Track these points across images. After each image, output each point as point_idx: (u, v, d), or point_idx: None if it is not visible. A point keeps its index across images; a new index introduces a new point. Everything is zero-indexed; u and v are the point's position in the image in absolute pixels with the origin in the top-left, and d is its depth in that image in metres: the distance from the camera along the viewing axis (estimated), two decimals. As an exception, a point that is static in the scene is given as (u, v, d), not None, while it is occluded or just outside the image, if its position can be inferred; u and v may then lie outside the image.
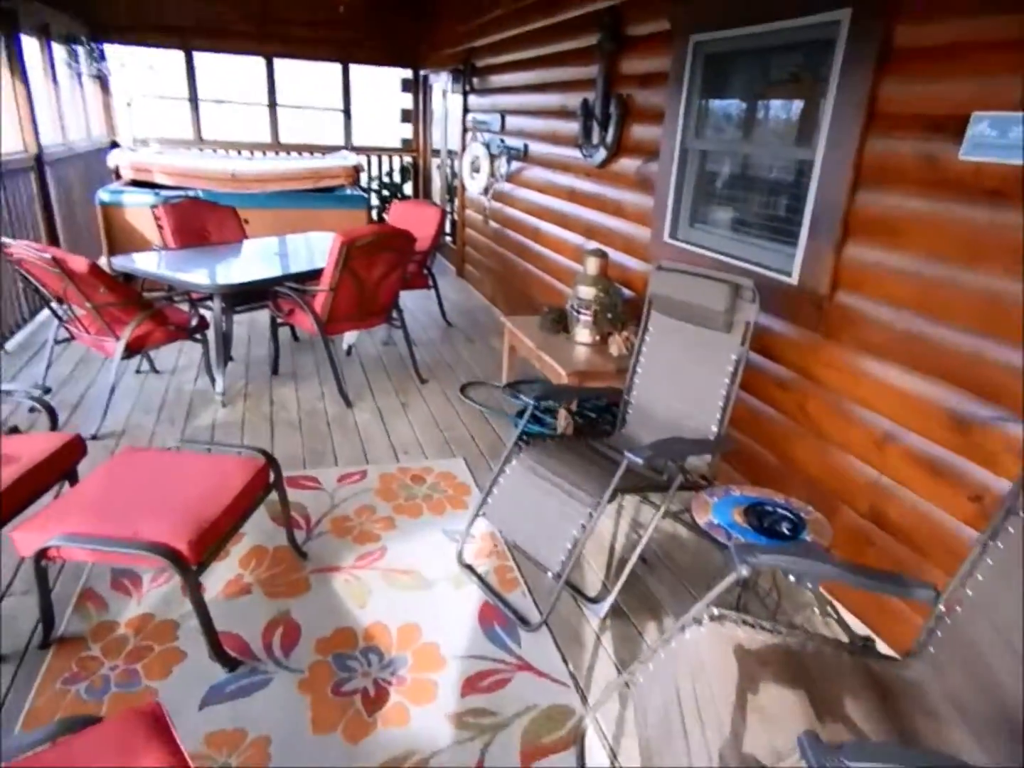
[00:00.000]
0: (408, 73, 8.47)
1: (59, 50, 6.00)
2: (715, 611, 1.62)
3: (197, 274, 3.72)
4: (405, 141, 8.92)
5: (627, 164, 3.68)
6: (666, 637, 1.64)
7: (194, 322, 3.58)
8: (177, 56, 7.58)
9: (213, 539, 1.93)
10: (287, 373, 4.24)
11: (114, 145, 7.54)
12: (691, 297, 2.57)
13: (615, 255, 3.81)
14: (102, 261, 6.28)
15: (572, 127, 4.21)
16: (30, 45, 5.46)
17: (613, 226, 3.88)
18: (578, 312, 3.67)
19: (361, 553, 2.53)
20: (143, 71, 7.31)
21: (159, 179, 6.40)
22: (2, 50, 4.70)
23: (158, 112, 8.76)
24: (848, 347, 2.34)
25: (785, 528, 1.97)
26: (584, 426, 3.47)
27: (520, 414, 3.79)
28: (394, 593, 2.33)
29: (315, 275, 3.74)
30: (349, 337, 4.36)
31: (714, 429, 2.50)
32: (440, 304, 5.43)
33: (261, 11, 7.36)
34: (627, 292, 3.76)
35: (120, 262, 3.78)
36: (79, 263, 3.00)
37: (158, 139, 7.79)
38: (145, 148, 7.39)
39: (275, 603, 2.25)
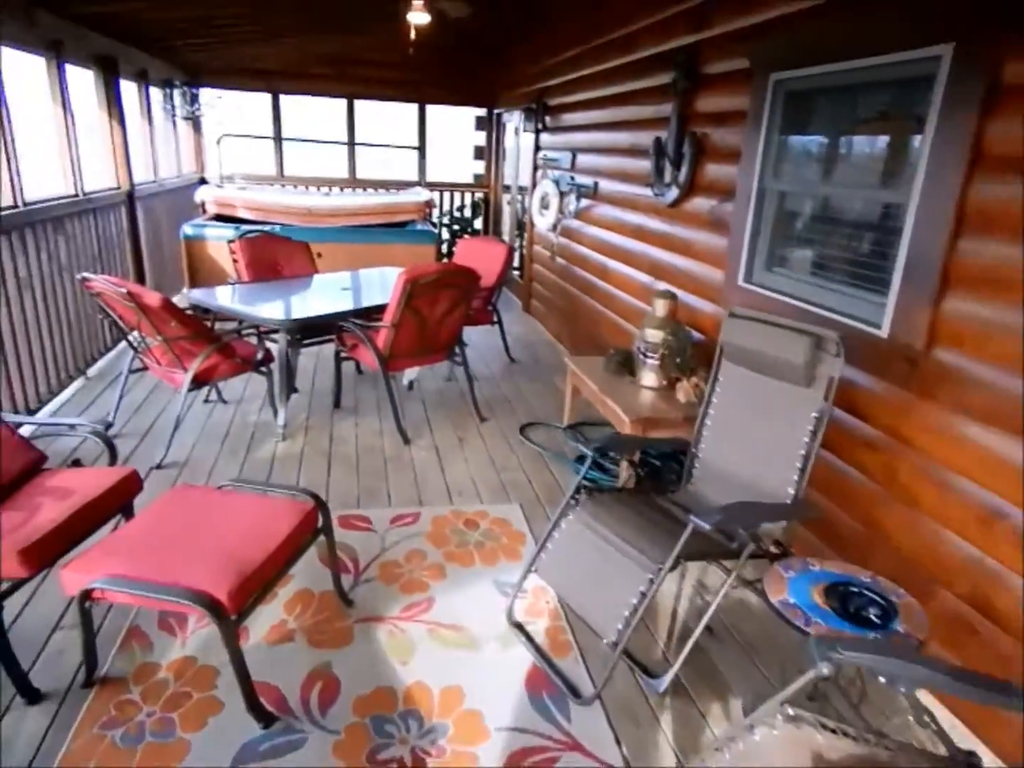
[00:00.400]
0: (482, 111, 8.62)
1: (156, 93, 6.39)
2: (790, 711, 1.43)
3: (264, 308, 3.79)
4: (477, 177, 9.05)
5: (700, 204, 3.55)
6: (733, 735, 1.45)
7: (260, 355, 3.64)
8: (264, 98, 7.97)
9: (255, 587, 1.87)
10: (348, 407, 4.25)
11: (202, 181, 7.95)
12: (767, 347, 2.39)
13: (685, 297, 3.65)
14: (183, 293, 6.59)
15: (643, 165, 4.11)
16: (128, 89, 5.83)
17: (683, 266, 3.74)
18: (644, 355, 3.52)
19: (408, 603, 2.43)
20: (232, 111, 7.71)
21: (241, 213, 6.68)
22: (103, 94, 5.01)
23: (244, 150, 9.22)
24: (946, 408, 2.11)
25: (873, 614, 1.75)
26: (647, 476, 3.30)
27: (580, 460, 3.65)
28: (439, 650, 2.22)
29: (381, 310, 3.75)
30: (410, 373, 4.35)
31: (790, 491, 2.30)
32: (504, 340, 5.38)
33: (341, 55, 7.65)
34: (696, 335, 3.59)
35: (195, 295, 3.91)
36: (152, 298, 3.08)
37: (243, 175, 8.17)
38: (230, 184, 7.76)
39: (317, 653, 2.17)
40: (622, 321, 4.57)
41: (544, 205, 6.05)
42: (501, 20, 6.73)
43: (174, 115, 6.83)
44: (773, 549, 2.26)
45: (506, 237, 8.51)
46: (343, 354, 4.01)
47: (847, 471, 2.55)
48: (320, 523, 2.24)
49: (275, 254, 4.74)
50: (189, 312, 3.82)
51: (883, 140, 2.54)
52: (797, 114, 2.87)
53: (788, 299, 2.86)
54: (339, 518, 2.94)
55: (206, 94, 7.68)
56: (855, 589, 1.86)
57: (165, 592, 1.74)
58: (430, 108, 8.47)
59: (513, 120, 7.63)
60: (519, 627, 2.35)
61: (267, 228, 6.01)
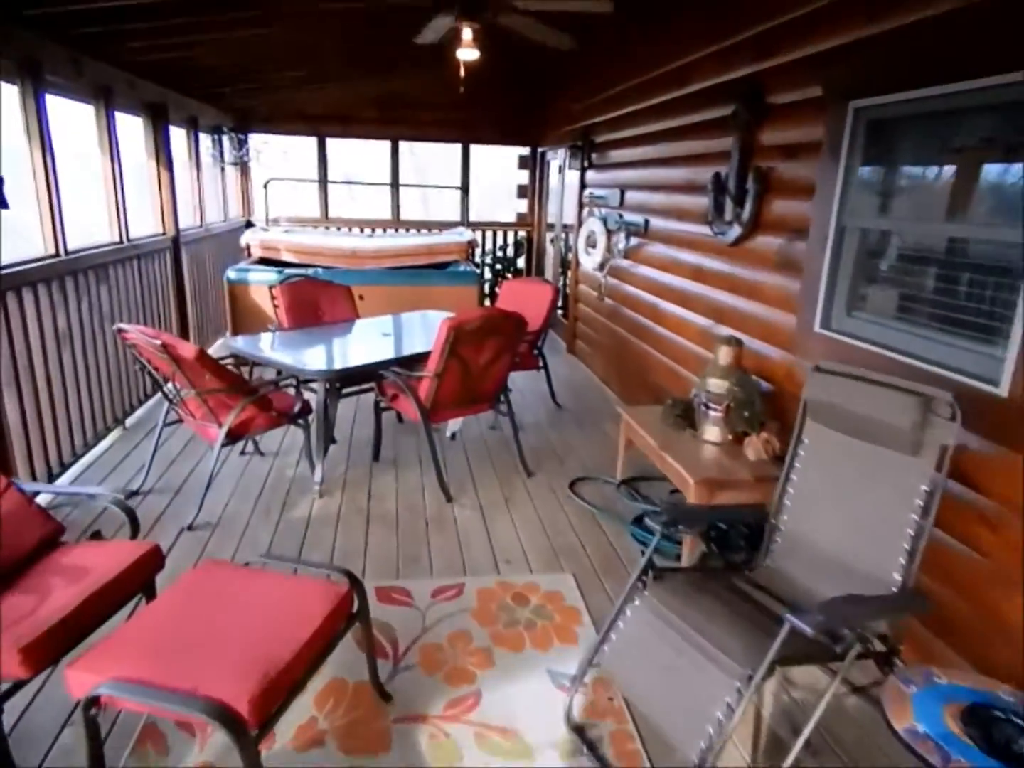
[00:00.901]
0: (526, 150, 8.54)
1: (204, 139, 6.46)
2: None
3: (302, 357, 3.63)
4: (520, 215, 8.94)
5: (766, 242, 3.27)
6: None
7: (297, 407, 3.46)
8: (309, 141, 8.03)
9: (282, 692, 1.63)
10: (388, 459, 4.04)
11: (249, 224, 8.02)
12: (863, 408, 2.09)
13: (750, 342, 3.36)
14: (225, 338, 6.55)
15: (700, 202, 3.87)
16: (177, 135, 5.89)
17: (748, 310, 3.45)
18: (707, 407, 3.23)
19: (452, 698, 2.16)
20: (278, 155, 7.78)
21: (285, 256, 6.65)
22: (152, 141, 5.03)
23: (290, 193, 9.32)
24: (1092, 485, 1.77)
25: (1029, 753, 1.42)
26: (718, 548, 2.95)
27: (637, 522, 3.34)
28: (488, 759, 1.93)
29: (423, 358, 3.55)
30: (454, 424, 4.13)
31: (897, 577, 1.97)
32: (550, 385, 5.13)
33: (387, 97, 7.68)
34: (765, 385, 3.28)
35: (234, 344, 3.78)
36: (187, 350, 2.94)
37: (288, 218, 8.22)
38: (276, 227, 7.80)
39: (350, 761, 1.91)
40: (677, 367, 4.29)
41: (591, 244, 5.84)
42: (547, 59, 6.66)
43: (222, 160, 6.90)
44: (879, 646, 1.93)
45: (549, 276, 8.34)
46: (383, 404, 3.82)
47: (958, 548, 2.20)
48: (356, 607, 2.00)
49: (316, 298, 4.62)
50: (228, 362, 3.70)
51: (992, 170, 2.25)
52: (882, 144, 2.59)
53: (875, 348, 2.55)
54: (377, 590, 2.70)
55: (254, 139, 7.79)
56: (1000, 713, 1.52)
57: (179, 703, 1.51)
58: (473, 147, 8.43)
59: (557, 158, 7.51)
60: (579, 731, 2.05)
61: (309, 271, 5.96)
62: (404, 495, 3.60)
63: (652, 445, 3.30)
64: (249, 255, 6.78)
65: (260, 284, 5.86)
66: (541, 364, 4.94)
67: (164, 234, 5.22)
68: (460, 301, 6.18)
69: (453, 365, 3.43)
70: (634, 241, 4.99)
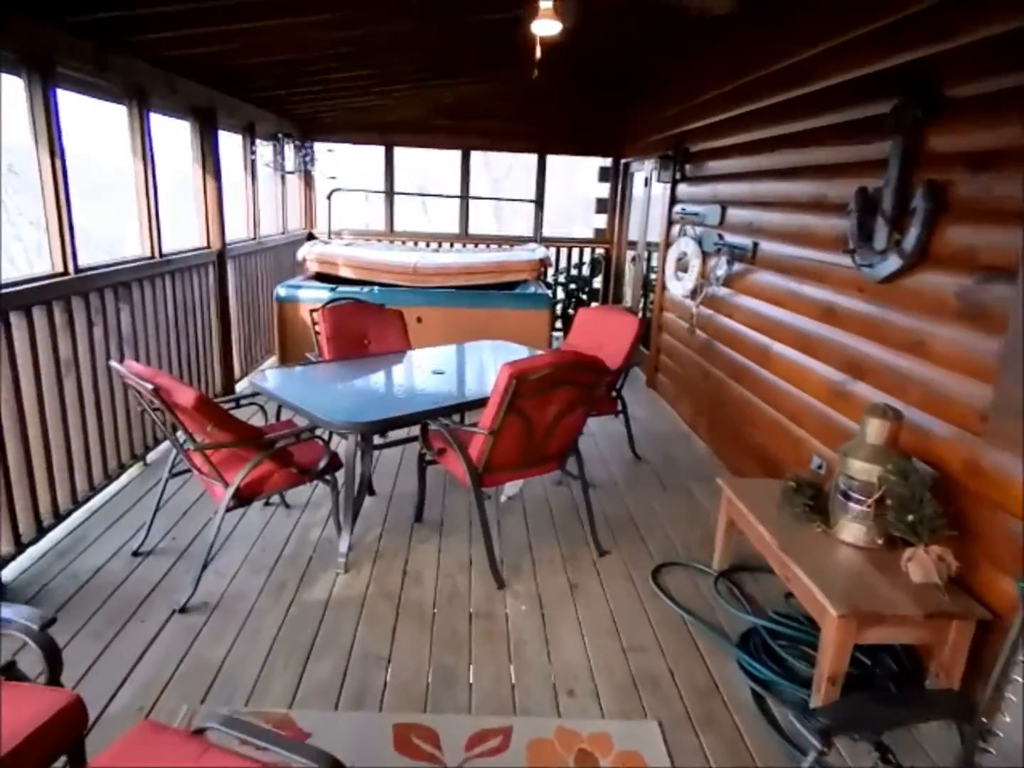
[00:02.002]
0: (607, 161, 7.84)
1: (265, 148, 6.06)
2: None
3: (330, 402, 2.99)
4: (598, 231, 8.23)
5: (938, 281, 2.44)
6: None
7: (324, 461, 2.86)
8: (375, 152, 7.59)
9: None
10: (433, 520, 3.39)
11: (311, 237, 7.63)
12: None
13: (907, 411, 2.52)
14: (256, 373, 6.08)
15: (834, 225, 3.07)
16: (232, 142, 5.49)
17: (904, 368, 2.62)
18: (847, 496, 2.42)
19: None
20: (343, 165, 7.36)
21: (343, 272, 6.17)
22: (199, 147, 4.62)
23: (355, 205, 8.90)
24: None
25: None
26: (854, 684, 2.06)
27: (745, 642, 2.55)
28: None
29: (482, 404, 2.88)
30: (511, 487, 3.42)
31: None
32: (629, 434, 4.37)
33: (458, 105, 7.14)
34: (923, 467, 2.44)
35: (258, 381, 3.21)
36: (185, 396, 2.38)
37: (352, 231, 7.79)
38: (339, 240, 7.37)
39: None
40: (791, 425, 3.46)
41: (682, 267, 5.06)
42: (634, 61, 5.95)
43: (283, 169, 6.50)
44: None
45: (629, 299, 7.58)
46: (429, 457, 3.17)
47: None
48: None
49: (363, 326, 4.04)
50: (258, 399, 3.15)
51: None
52: None
53: None
54: (395, 731, 2.03)
55: (319, 148, 7.40)
56: None
57: None
58: (550, 159, 7.79)
59: (643, 170, 6.76)
60: None
61: (363, 291, 5.44)
62: (446, 574, 2.93)
63: (766, 539, 2.51)
64: (305, 270, 6.35)
65: (312, 302, 5.35)
66: (620, 408, 4.20)
67: (208, 248, 4.78)
68: (529, 327, 5.53)
69: (513, 421, 2.75)
70: (738, 267, 4.19)
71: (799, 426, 3.40)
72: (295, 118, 6.65)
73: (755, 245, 3.99)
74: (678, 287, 5.10)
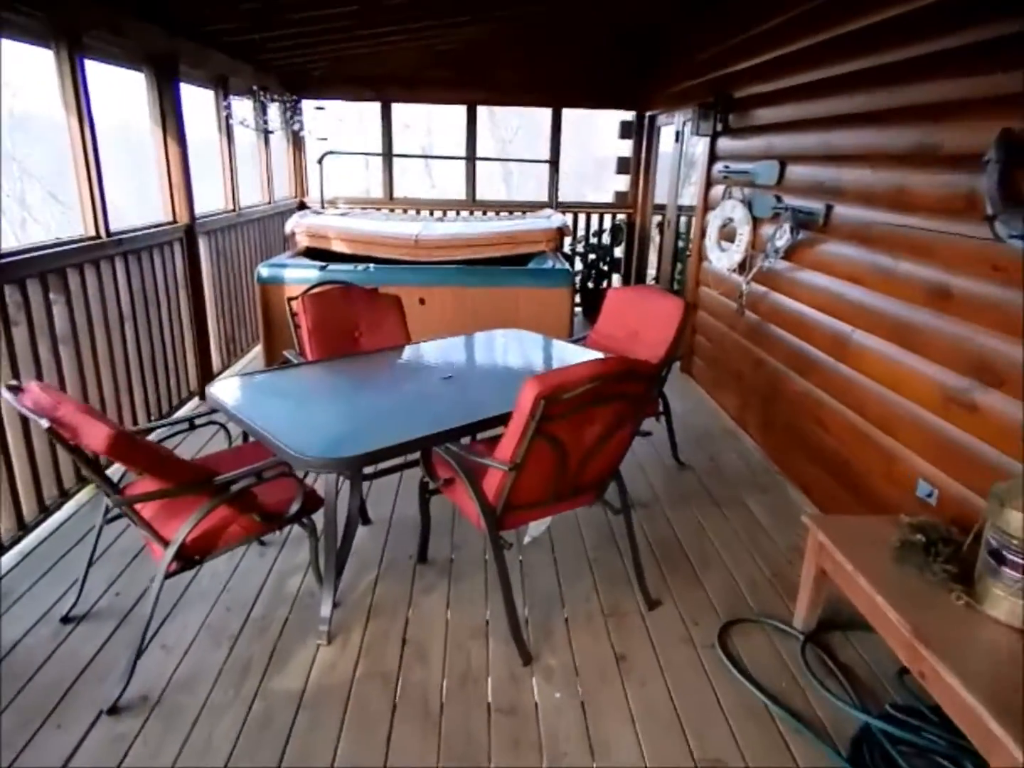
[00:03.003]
0: (629, 115, 7.02)
1: (243, 105, 5.32)
2: None
3: (303, 428, 2.30)
4: (619, 195, 7.44)
5: None
6: None
7: (297, 504, 2.22)
8: (373, 109, 6.81)
9: None
10: (440, 560, 2.76)
11: (302, 207, 6.92)
12: None
13: (1081, 439, 1.84)
14: (253, 354, 5.38)
15: (947, 182, 2.36)
16: (206, 99, 4.77)
17: (1070, 377, 1.93)
18: (1000, 558, 1.76)
19: None
20: (338, 126, 6.59)
21: (336, 247, 5.47)
22: (156, 103, 3.90)
23: (354, 170, 8.10)
24: None
25: None
26: None
27: (858, 747, 1.92)
28: None
29: (504, 420, 2.23)
30: (535, 527, 2.75)
31: None
32: (672, 437, 3.71)
33: (462, 53, 6.32)
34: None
35: (215, 395, 2.53)
36: (95, 437, 1.73)
37: (347, 200, 7.06)
38: (334, 210, 6.65)
39: None
40: (879, 434, 2.79)
41: (726, 236, 4.34)
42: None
43: (267, 130, 5.76)
44: None
45: (653, 271, 6.84)
46: (433, 487, 2.52)
47: None
48: None
49: (353, 316, 3.37)
50: (202, 420, 2.51)
51: None
52: None
53: None
54: None
55: (308, 108, 6.63)
56: None
57: None
58: (564, 114, 6.98)
59: (672, 123, 5.97)
60: None
61: (358, 269, 4.74)
62: (457, 644, 2.30)
63: (892, 620, 1.86)
64: (295, 244, 5.65)
65: (300, 283, 4.67)
66: (662, 410, 3.53)
67: (175, 222, 4.10)
68: (548, 308, 4.83)
69: (541, 449, 2.09)
70: (802, 236, 3.46)
71: (893, 437, 2.72)
72: (278, 72, 5.87)
73: (828, 209, 3.25)
74: (722, 259, 4.37)
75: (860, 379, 2.97)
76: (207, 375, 4.50)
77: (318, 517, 2.29)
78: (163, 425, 2.53)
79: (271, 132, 5.18)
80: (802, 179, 3.56)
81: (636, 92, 6.65)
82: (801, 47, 3.47)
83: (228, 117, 4.95)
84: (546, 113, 6.95)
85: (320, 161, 6.56)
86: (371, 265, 4.80)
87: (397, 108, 7.10)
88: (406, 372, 2.97)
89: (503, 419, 2.21)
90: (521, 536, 2.67)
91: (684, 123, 5.63)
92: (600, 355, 2.82)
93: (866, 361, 2.93)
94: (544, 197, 7.21)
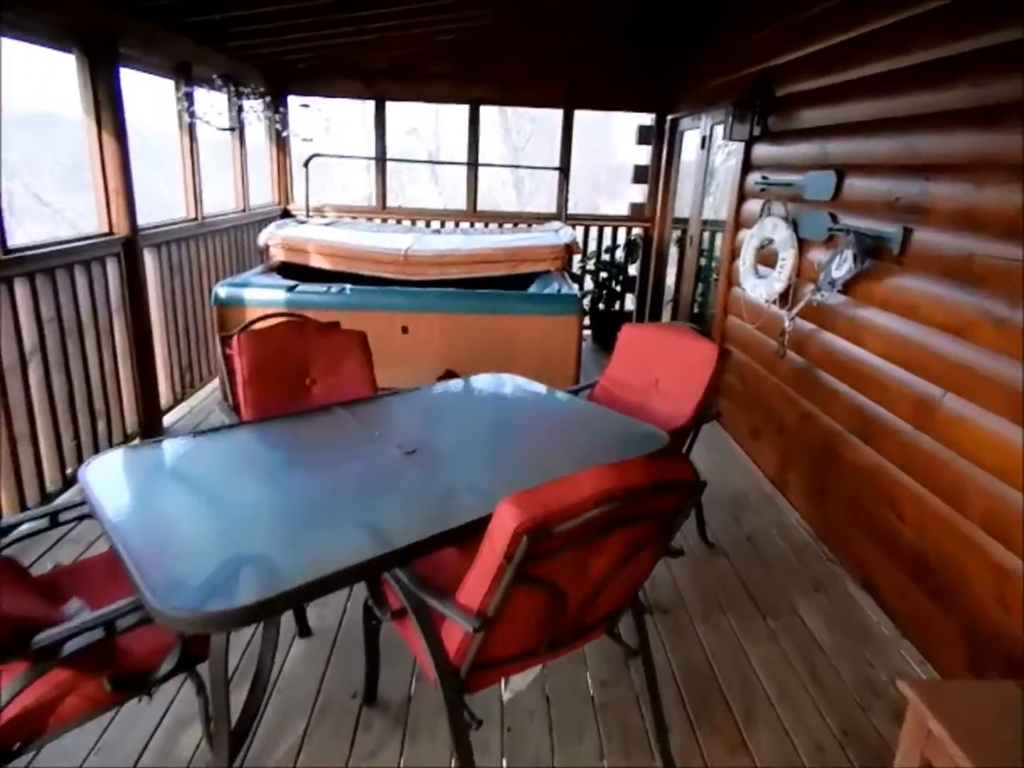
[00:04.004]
0: (647, 118, 6.33)
1: (214, 98, 4.67)
2: None
3: (191, 539, 1.58)
4: (634, 206, 6.75)
5: None
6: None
7: (168, 664, 1.53)
8: (364, 108, 6.16)
9: None
10: (394, 703, 2.05)
11: (286, 215, 6.28)
12: None
13: None
14: (214, 384, 4.61)
15: None
16: (163, 88, 4.13)
17: None
18: None
19: None
20: (326, 125, 5.94)
21: (315, 261, 4.83)
22: (89, 90, 3.26)
23: (351, 177, 7.46)
24: None
25: None
26: None
27: None
28: None
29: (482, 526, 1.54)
30: (520, 679, 2.03)
31: None
32: (699, 515, 3.00)
33: (464, 45, 5.66)
34: None
35: (87, 480, 1.84)
36: None
37: (335, 208, 6.41)
38: (319, 219, 6.00)
39: None
40: (986, 539, 2.08)
41: (764, 260, 3.65)
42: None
43: (232, 128, 5.12)
44: None
45: (670, 294, 6.13)
46: (380, 616, 1.82)
47: None
48: None
49: (305, 358, 2.69)
50: (71, 514, 1.85)
51: None
52: None
53: None
54: None
55: (301, 105, 6.00)
56: None
57: None
58: (577, 116, 6.30)
59: (698, 127, 5.29)
60: None
61: (334, 291, 4.08)
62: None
63: None
64: (269, 259, 5.01)
65: (264, 306, 4.02)
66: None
67: (110, 234, 3.45)
68: (552, 339, 4.15)
69: (526, 597, 1.41)
70: (868, 265, 2.76)
71: (1005, 545, 2.01)
72: (258, 64, 5.23)
73: (907, 233, 2.55)
74: (758, 287, 3.67)
75: (953, 458, 2.26)
76: (153, 413, 3.85)
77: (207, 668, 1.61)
78: (13, 527, 1.84)
79: (233, 129, 4.51)
80: (868, 194, 2.85)
81: (658, 92, 5.96)
82: (874, 28, 2.78)
83: (191, 113, 4.31)
84: (561, 118, 6.28)
85: (306, 164, 5.92)
86: (347, 286, 4.13)
87: (399, 109, 6.47)
88: (359, 440, 2.27)
89: (481, 525, 1.53)
90: (500, 688, 1.96)
91: (712, 127, 4.94)
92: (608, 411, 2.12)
93: (963, 435, 2.22)
94: (551, 206, 6.53)
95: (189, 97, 4.23)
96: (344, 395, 2.60)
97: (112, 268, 3.45)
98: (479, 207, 6.44)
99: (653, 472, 1.44)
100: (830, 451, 3.05)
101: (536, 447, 2.25)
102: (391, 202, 6.57)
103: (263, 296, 4.02)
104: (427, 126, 14.54)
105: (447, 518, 1.67)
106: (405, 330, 4.07)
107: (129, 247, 3.55)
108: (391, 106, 6.22)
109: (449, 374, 4.14)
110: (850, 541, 2.89)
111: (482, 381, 2.81)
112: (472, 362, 4.11)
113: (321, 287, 4.12)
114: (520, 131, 17.52)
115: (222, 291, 4.02)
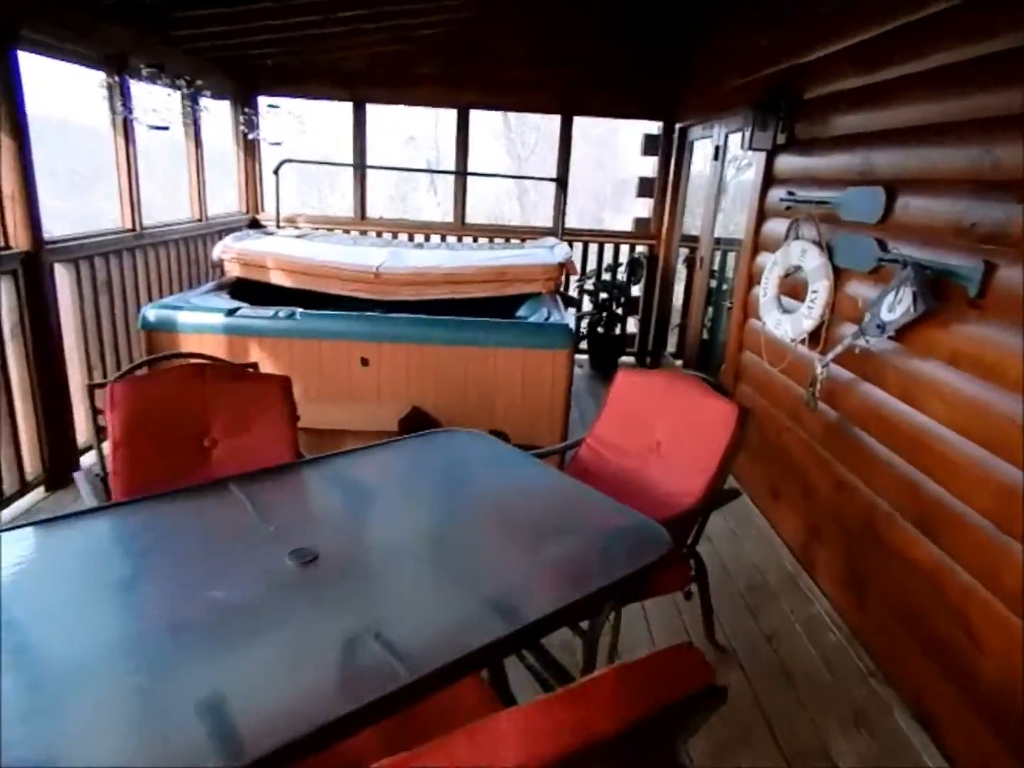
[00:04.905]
0: (654, 127, 5.77)
1: (165, 97, 4.12)
2: None
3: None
4: (639, 222, 6.17)
5: None
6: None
7: None
8: (341, 111, 5.61)
9: None
10: None
11: (254, 225, 5.72)
12: None
13: None
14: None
15: None
16: (86, 80, 3.58)
17: None
18: None
19: None
20: (293, 128, 5.40)
21: (275, 278, 4.25)
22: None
23: (343, 187, 6.92)
24: None
25: None
26: None
27: None
28: None
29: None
30: None
31: None
32: (707, 612, 2.38)
33: (453, 43, 5.12)
34: None
35: None
36: None
37: (310, 218, 5.86)
38: (292, 230, 5.46)
39: None
40: None
41: (790, 291, 3.05)
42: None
43: (197, 127, 4.57)
44: None
45: (677, 317, 5.53)
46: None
47: None
48: None
49: (205, 412, 2.10)
50: None
51: None
52: None
53: None
54: None
55: (288, 108, 5.45)
56: None
57: None
58: (577, 124, 5.74)
59: (710, 136, 4.72)
60: None
61: (281, 314, 3.50)
62: None
63: None
64: (223, 274, 4.44)
65: (202, 332, 3.45)
66: (695, 574, 2.21)
67: (6, 248, 2.88)
68: (538, 375, 3.54)
69: None
70: (931, 307, 2.15)
71: None
72: (213, 56, 4.67)
73: (989, 269, 1.95)
74: (783, 323, 3.07)
75: (1061, 579, 1.65)
76: (66, 453, 3.26)
77: None
78: None
79: (166, 128, 3.92)
80: (929, 217, 2.26)
81: (665, 97, 5.40)
82: (936, 11, 2.20)
83: (128, 109, 3.76)
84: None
85: (276, 171, 5.37)
86: (298, 310, 3.55)
87: (395, 117, 5.94)
88: (245, 537, 1.66)
89: (413, 693, 0.93)
90: None
91: (727, 135, 4.37)
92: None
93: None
94: (546, 220, 5.96)
95: (124, 92, 3.67)
96: (252, 461, 2.00)
97: (7, 287, 2.88)
98: (480, 219, 5.88)
99: (634, 702, 0.83)
100: (872, 532, 2.44)
101: (489, 554, 1.65)
102: (398, 214, 6.02)
103: (197, 320, 3.44)
104: (426, 134, 14.07)
105: (327, 699, 1.07)
106: (365, 362, 3.48)
107: (30, 264, 2.97)
108: (383, 111, 5.69)
109: (416, 412, 3.56)
110: (898, 652, 2.27)
111: (436, 444, 2.20)
112: (443, 402, 3.53)
113: (268, 311, 3.53)
114: (524, 141, 17.04)
115: (151, 313, 3.43)
